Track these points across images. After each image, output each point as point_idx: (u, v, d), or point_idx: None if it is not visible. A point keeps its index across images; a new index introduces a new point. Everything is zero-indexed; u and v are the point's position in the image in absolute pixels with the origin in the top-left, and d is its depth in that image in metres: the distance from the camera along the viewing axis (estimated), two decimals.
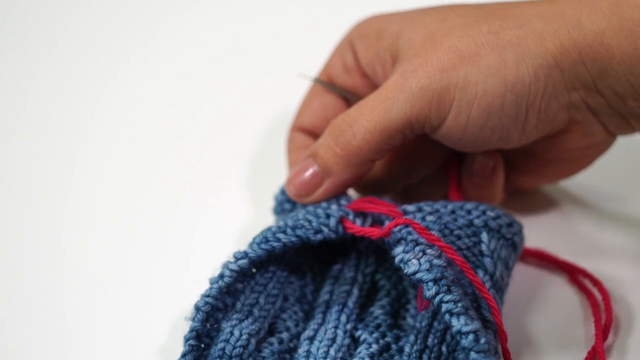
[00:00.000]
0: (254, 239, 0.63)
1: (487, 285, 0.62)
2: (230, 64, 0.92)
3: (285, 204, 0.69)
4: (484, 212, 0.65)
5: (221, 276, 0.61)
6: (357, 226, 0.64)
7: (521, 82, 0.61)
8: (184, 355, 0.60)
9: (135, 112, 0.87)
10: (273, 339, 0.63)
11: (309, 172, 0.66)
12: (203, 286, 0.62)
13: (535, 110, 0.63)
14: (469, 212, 0.65)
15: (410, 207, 0.65)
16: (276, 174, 0.75)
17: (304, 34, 0.93)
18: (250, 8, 0.96)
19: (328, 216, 0.64)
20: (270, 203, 0.72)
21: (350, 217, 0.65)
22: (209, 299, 0.61)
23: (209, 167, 0.81)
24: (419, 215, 0.64)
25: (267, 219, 0.72)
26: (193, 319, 0.61)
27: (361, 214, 0.65)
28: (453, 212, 0.65)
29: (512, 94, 0.62)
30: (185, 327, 0.62)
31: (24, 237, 0.76)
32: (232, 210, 0.77)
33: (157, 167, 0.82)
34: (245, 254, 0.62)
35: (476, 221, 0.65)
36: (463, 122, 0.63)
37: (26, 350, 0.67)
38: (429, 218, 0.64)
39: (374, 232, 0.63)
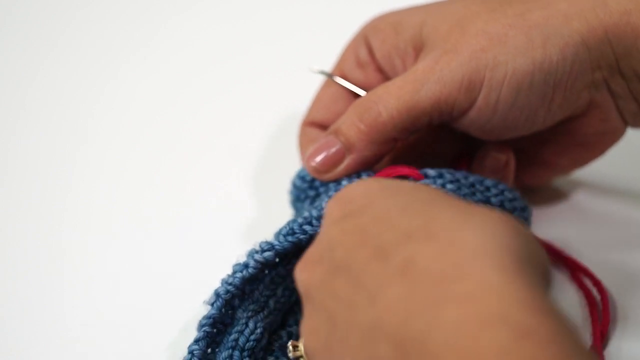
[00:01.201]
0: (280, 230, 0.63)
1: None
2: (232, 62, 0.91)
3: (309, 190, 0.68)
4: (502, 192, 0.66)
5: (246, 266, 0.61)
6: None
7: (549, 61, 0.62)
8: (197, 341, 0.60)
9: (137, 111, 0.87)
10: (283, 332, 0.64)
11: (330, 149, 0.66)
12: (205, 283, 0.63)
13: (562, 89, 0.64)
14: (487, 188, 0.66)
15: (432, 172, 0.65)
16: (279, 172, 0.75)
17: (309, 32, 0.93)
18: (254, 6, 0.96)
19: None
20: (274, 200, 0.72)
21: None
22: (230, 287, 0.61)
23: (213, 166, 0.81)
24: (439, 181, 0.65)
25: (273, 217, 0.72)
26: (212, 305, 0.61)
27: None
28: (473, 185, 0.65)
29: (541, 72, 0.63)
30: (191, 323, 0.62)
31: (26, 234, 0.76)
32: (237, 208, 0.77)
33: (160, 166, 0.81)
34: (272, 246, 0.62)
35: (493, 200, 0.65)
36: (493, 101, 0.63)
37: (28, 350, 0.67)
38: (449, 187, 0.64)
39: None
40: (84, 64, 0.91)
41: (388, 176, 0.65)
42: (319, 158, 0.66)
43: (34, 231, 0.76)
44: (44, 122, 0.86)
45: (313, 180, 0.68)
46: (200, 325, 0.60)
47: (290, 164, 0.75)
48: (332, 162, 0.66)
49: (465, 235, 0.45)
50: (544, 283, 0.47)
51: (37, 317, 0.69)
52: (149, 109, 0.87)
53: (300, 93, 0.84)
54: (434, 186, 0.64)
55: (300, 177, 0.69)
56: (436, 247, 0.45)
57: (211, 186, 0.80)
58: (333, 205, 0.52)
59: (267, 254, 0.61)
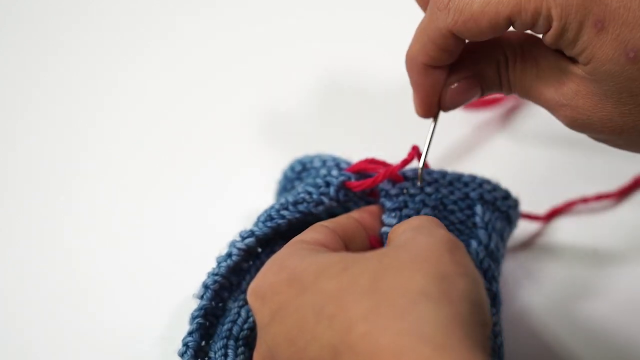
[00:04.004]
0: (259, 217, 0.64)
1: (482, 255, 0.63)
2: (232, 66, 0.91)
3: (295, 181, 0.69)
4: (480, 185, 0.66)
5: (229, 255, 0.62)
6: (363, 181, 0.64)
7: None
8: (191, 333, 0.61)
9: (140, 111, 0.87)
10: None
11: None
12: (198, 278, 0.63)
13: None
14: (466, 184, 0.66)
15: (410, 173, 0.65)
16: (279, 168, 0.75)
17: (311, 36, 0.93)
18: (255, 12, 0.96)
19: (328, 184, 0.64)
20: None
21: (352, 180, 0.65)
22: (217, 278, 0.62)
23: (212, 166, 0.82)
24: (417, 184, 0.65)
25: None
26: (201, 297, 0.62)
27: (362, 177, 0.65)
28: (451, 183, 0.66)
29: None
30: (182, 317, 0.63)
31: (25, 231, 0.77)
32: (231, 209, 0.77)
33: (160, 167, 0.82)
34: (251, 232, 0.63)
35: (472, 194, 0.66)
36: None
37: (27, 348, 0.69)
38: (428, 189, 0.65)
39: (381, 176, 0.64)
40: (85, 68, 0.90)
41: (367, 168, 0.65)
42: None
43: (33, 228, 0.77)
44: (50, 123, 0.86)
45: (300, 172, 0.69)
46: (193, 318, 0.61)
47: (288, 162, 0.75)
48: None
49: (383, 342, 0.47)
50: (483, 330, 0.50)
51: (35, 315, 0.70)
52: (151, 109, 0.87)
53: (301, 95, 0.85)
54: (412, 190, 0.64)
55: (291, 167, 0.69)
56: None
57: (207, 186, 0.80)
58: (252, 302, 0.55)
59: (247, 240, 0.62)
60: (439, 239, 0.53)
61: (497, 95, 0.80)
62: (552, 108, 0.59)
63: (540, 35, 0.57)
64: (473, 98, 0.63)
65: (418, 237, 0.54)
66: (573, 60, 0.57)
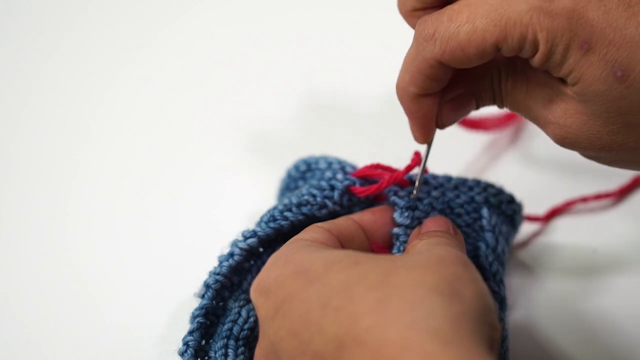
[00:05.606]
0: (262, 217, 0.64)
1: (490, 258, 0.63)
2: (232, 64, 0.91)
3: (299, 181, 0.69)
4: (485, 189, 0.66)
5: (231, 254, 0.62)
6: (367, 187, 0.64)
7: None
8: (191, 332, 0.61)
9: (142, 111, 0.87)
10: None
11: None
12: (198, 279, 0.63)
13: None
14: (470, 188, 0.66)
15: (415, 178, 0.65)
16: (278, 170, 0.75)
17: (309, 35, 0.93)
18: (253, 11, 0.96)
19: (332, 188, 0.64)
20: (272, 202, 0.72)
21: (357, 185, 0.65)
22: (219, 277, 0.62)
23: (212, 165, 0.82)
24: (424, 188, 0.65)
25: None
26: (202, 296, 0.62)
27: (367, 182, 0.65)
28: (456, 187, 0.66)
29: None
30: (182, 317, 0.63)
31: (25, 229, 0.77)
32: (231, 209, 0.77)
33: (162, 161, 0.82)
34: (254, 233, 0.63)
35: (477, 197, 0.66)
36: None
37: (26, 347, 0.69)
38: (434, 193, 0.65)
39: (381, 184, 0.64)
40: (86, 68, 0.91)
41: (372, 174, 0.65)
42: None
43: (33, 228, 0.77)
44: (49, 122, 0.86)
45: (305, 172, 0.68)
46: (193, 317, 0.61)
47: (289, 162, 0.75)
48: None
49: (389, 334, 0.47)
50: (491, 332, 0.50)
51: (35, 314, 0.70)
52: (152, 108, 0.87)
53: (303, 96, 0.85)
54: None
55: (296, 167, 0.69)
56: (366, 353, 0.48)
57: (207, 186, 0.80)
58: (256, 298, 0.55)
59: (250, 240, 0.62)
60: (452, 254, 0.54)
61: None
62: (541, 124, 0.59)
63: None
64: (468, 113, 0.63)
65: (433, 249, 0.55)
66: (562, 80, 0.57)
